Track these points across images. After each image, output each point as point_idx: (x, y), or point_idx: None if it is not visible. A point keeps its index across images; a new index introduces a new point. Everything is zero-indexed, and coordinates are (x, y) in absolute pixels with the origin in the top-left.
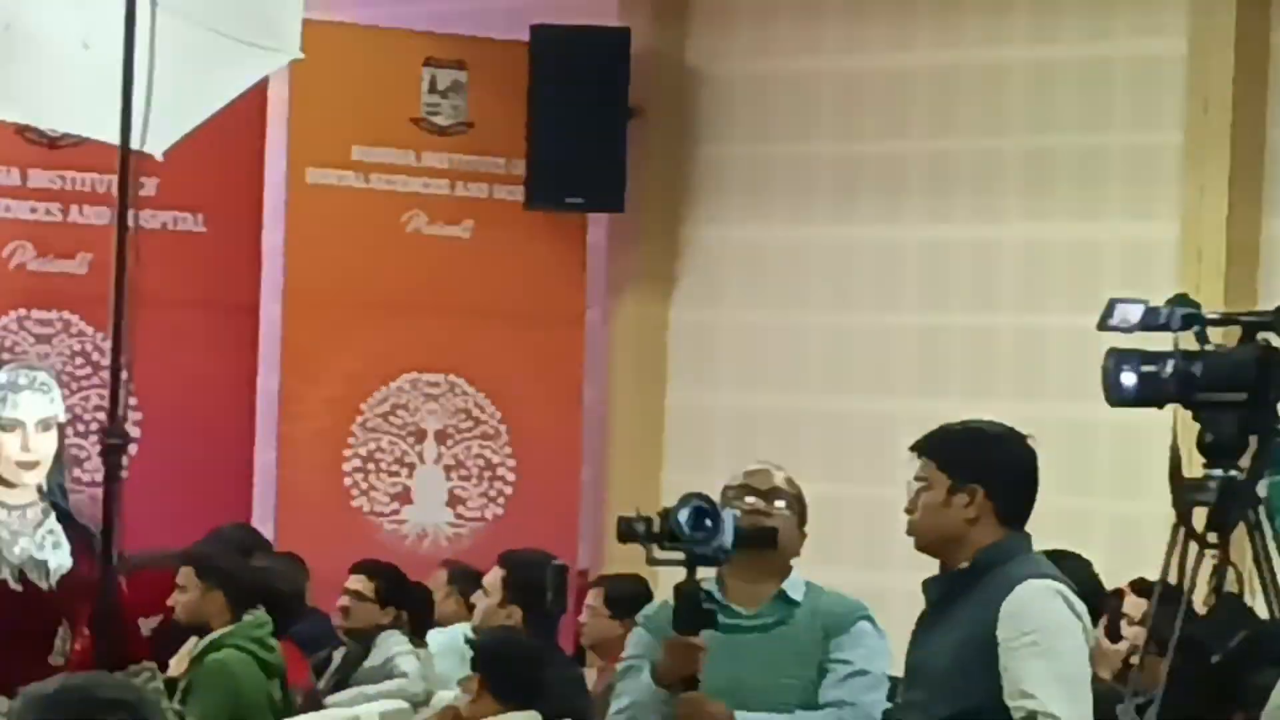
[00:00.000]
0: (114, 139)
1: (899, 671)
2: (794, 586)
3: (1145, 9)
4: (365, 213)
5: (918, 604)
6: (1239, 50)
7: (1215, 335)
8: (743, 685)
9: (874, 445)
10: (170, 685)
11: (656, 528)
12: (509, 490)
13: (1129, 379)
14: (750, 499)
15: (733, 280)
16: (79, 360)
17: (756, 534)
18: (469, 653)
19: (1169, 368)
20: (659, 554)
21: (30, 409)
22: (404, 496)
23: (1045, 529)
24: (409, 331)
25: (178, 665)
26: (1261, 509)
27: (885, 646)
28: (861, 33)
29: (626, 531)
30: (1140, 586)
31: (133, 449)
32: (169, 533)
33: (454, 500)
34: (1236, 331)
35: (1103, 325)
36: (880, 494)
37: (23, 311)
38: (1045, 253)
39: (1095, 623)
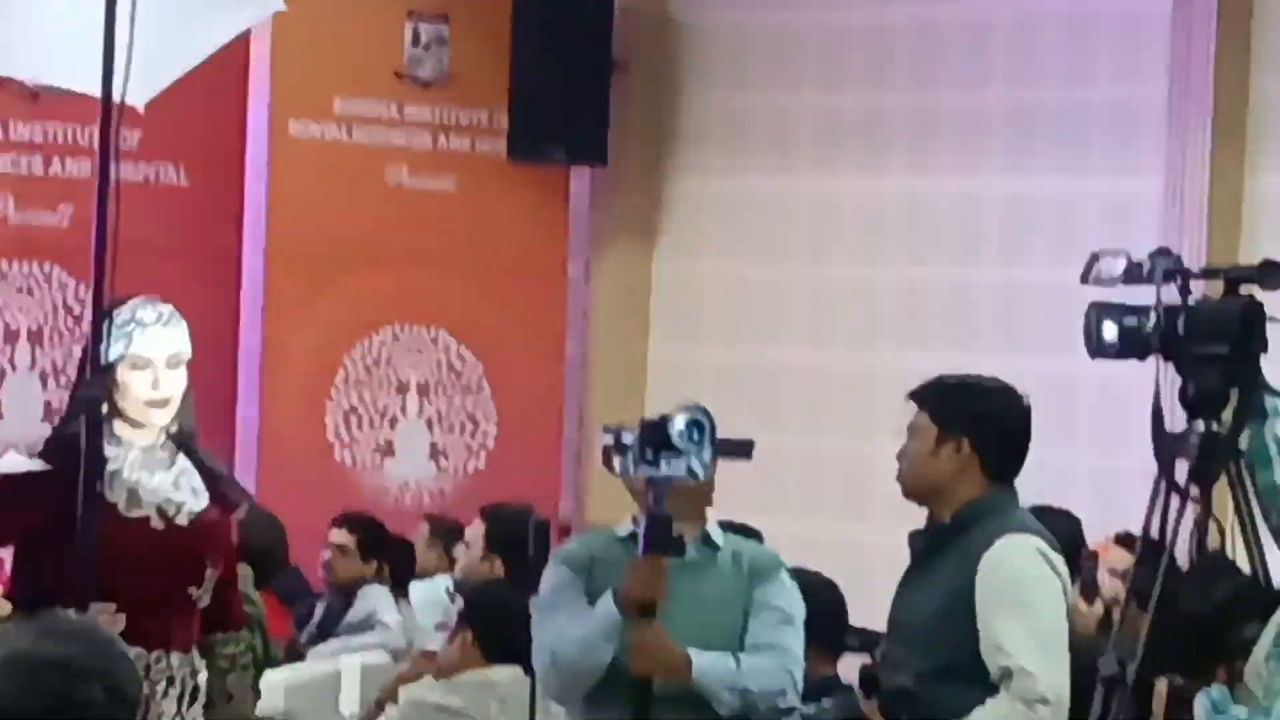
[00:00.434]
0: (95, 91)
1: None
2: (714, 530)
3: None
4: (347, 165)
5: (898, 557)
6: (1223, 4)
7: (1198, 288)
8: (670, 624)
9: (855, 398)
10: None
11: (635, 438)
12: (491, 443)
13: (1111, 332)
14: None
15: (715, 233)
16: (61, 313)
17: (737, 445)
18: (450, 605)
19: (1151, 321)
20: (629, 469)
21: (159, 345)
22: (386, 449)
23: (1027, 482)
24: (391, 284)
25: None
26: (1243, 462)
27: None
28: None
29: (612, 446)
30: (1123, 539)
31: None
32: None
33: (436, 453)
34: (1219, 285)
35: (1085, 278)
36: (861, 447)
37: (4, 263)
38: (1028, 206)
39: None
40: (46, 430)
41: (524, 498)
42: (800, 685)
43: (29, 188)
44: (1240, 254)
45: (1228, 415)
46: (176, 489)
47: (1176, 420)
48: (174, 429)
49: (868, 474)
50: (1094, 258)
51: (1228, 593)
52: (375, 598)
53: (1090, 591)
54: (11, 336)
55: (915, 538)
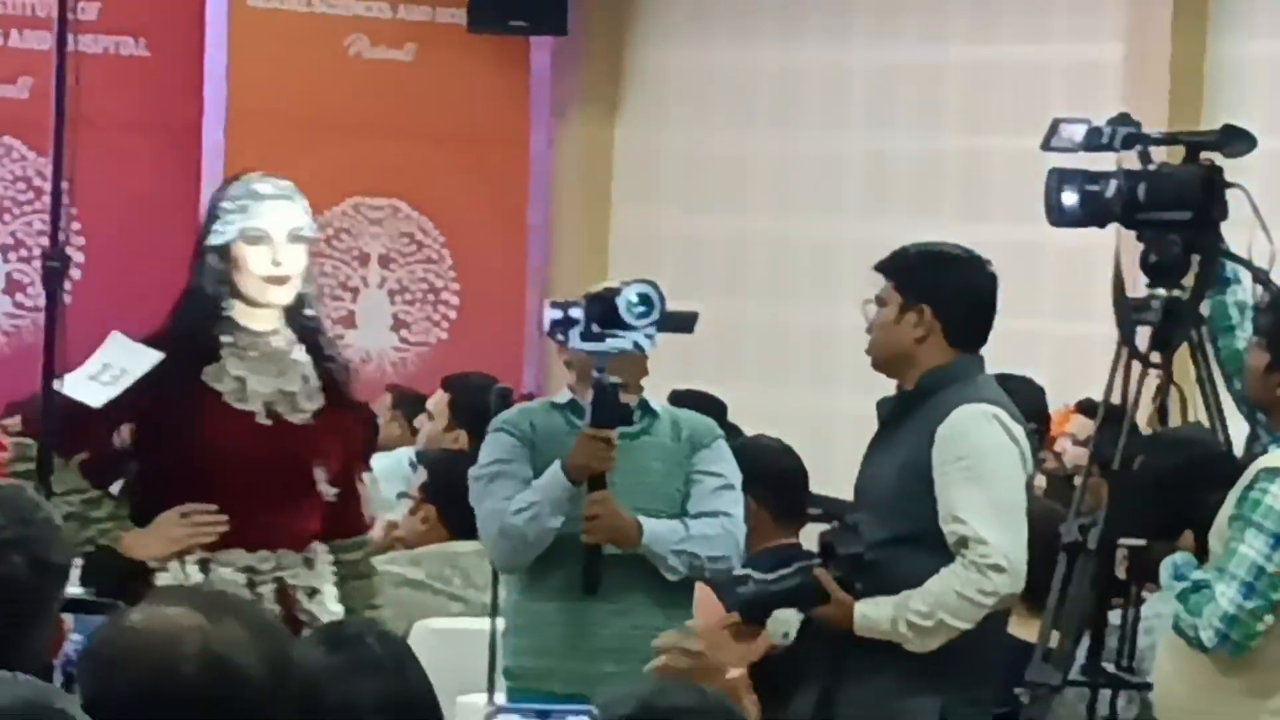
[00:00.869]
0: None
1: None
2: (651, 398)
3: None
4: (308, 36)
5: (863, 426)
6: None
7: (1159, 155)
8: (612, 493)
9: (820, 268)
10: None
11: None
12: (453, 314)
13: (1071, 199)
14: None
15: (677, 101)
16: (20, 185)
17: (680, 318)
18: (412, 476)
19: (1112, 188)
20: (576, 344)
21: (277, 218)
22: (348, 320)
23: (990, 351)
24: (352, 156)
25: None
26: (1205, 329)
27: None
28: None
29: (560, 321)
30: (1085, 406)
31: (76, 273)
32: None
33: (398, 324)
34: (1180, 151)
35: (1046, 145)
36: (826, 316)
37: None
38: (991, 75)
39: (1040, 447)
40: (7, 304)
41: (487, 368)
42: (743, 550)
43: None
44: (1202, 120)
45: (1189, 281)
46: (290, 382)
47: (1138, 287)
48: (299, 315)
49: (832, 343)
50: (1055, 124)
51: (1193, 459)
52: None
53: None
54: None
55: (882, 405)
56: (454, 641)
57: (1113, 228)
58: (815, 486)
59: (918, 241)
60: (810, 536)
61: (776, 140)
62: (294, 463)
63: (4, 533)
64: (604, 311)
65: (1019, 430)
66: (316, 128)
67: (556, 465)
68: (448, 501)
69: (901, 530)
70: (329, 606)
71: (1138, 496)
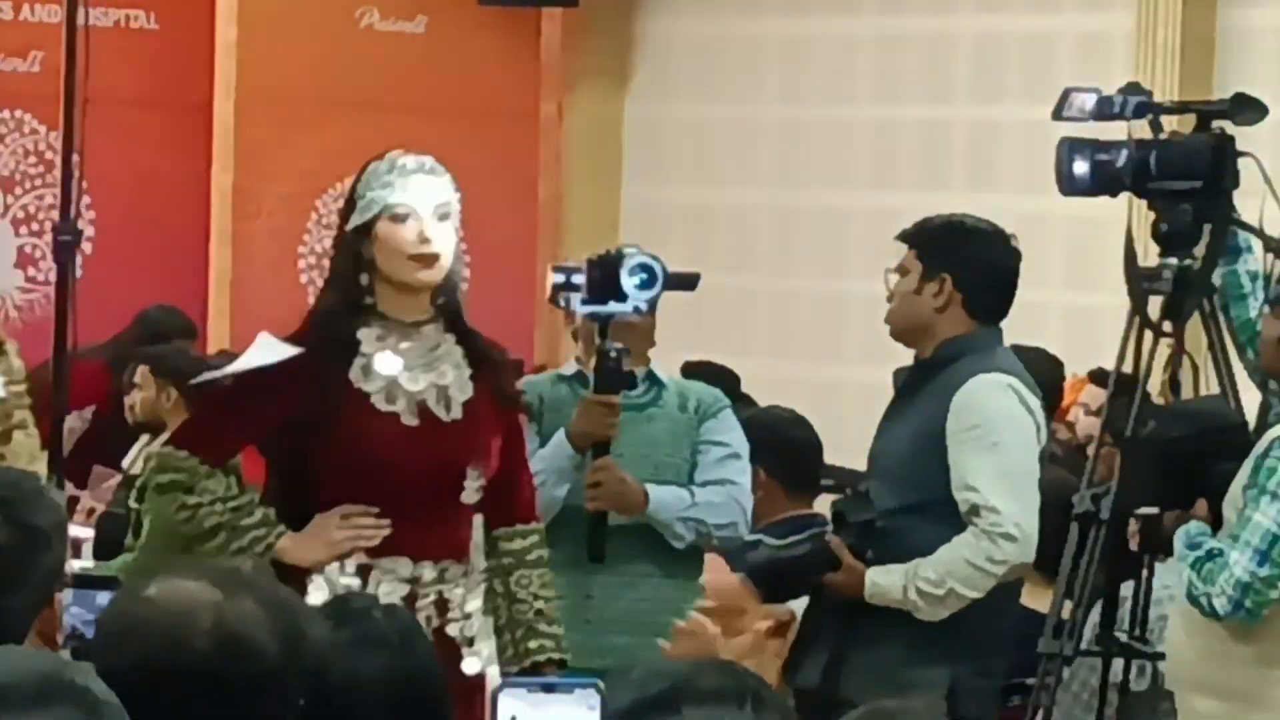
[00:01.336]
0: None
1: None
2: (658, 368)
3: None
4: (318, 8)
5: (872, 396)
6: None
7: (1169, 124)
8: (620, 464)
9: (829, 239)
10: (130, 482)
11: (585, 276)
12: (464, 286)
13: (1082, 168)
14: None
15: (687, 75)
16: (32, 159)
17: (682, 278)
18: None
19: (1123, 157)
20: (577, 307)
21: (424, 193)
22: None
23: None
24: (363, 128)
25: (132, 464)
26: (1216, 298)
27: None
28: None
29: (562, 284)
30: (1097, 376)
31: (87, 247)
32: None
33: None
34: (1191, 120)
35: (1057, 115)
36: (834, 287)
37: None
38: (1000, 44)
39: (1052, 419)
40: (19, 277)
41: (497, 340)
42: (749, 519)
43: None
44: (1212, 89)
45: (1200, 251)
46: (440, 377)
47: (1149, 257)
48: (441, 300)
49: (840, 314)
50: (1066, 94)
51: (1203, 427)
52: None
53: None
54: None
55: (898, 374)
56: None
57: (1124, 197)
58: (824, 457)
59: (941, 213)
60: (822, 507)
61: (785, 112)
62: (448, 465)
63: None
64: (605, 277)
65: (1034, 401)
66: (327, 101)
67: (561, 434)
68: None
69: (914, 499)
70: (479, 628)
71: (1150, 466)
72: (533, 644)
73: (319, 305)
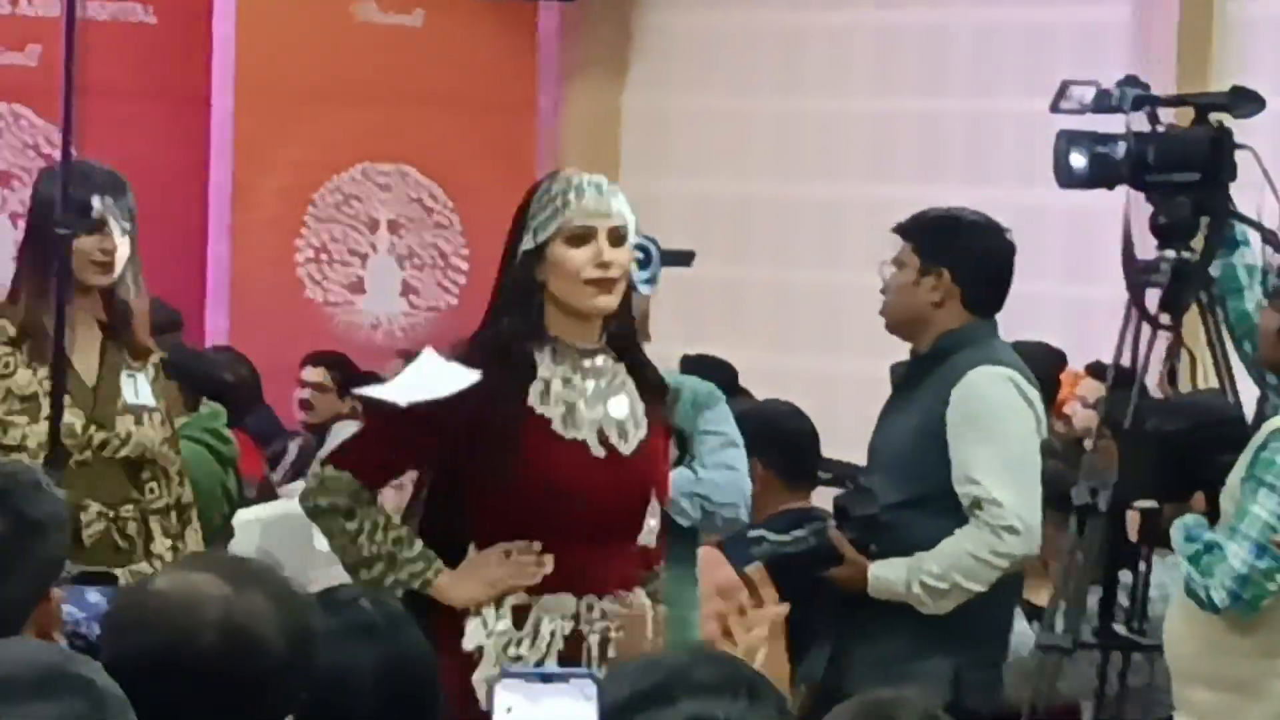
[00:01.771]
0: None
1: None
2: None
3: None
4: (315, 1)
5: (869, 389)
6: None
7: (1167, 116)
8: None
9: (826, 231)
10: None
11: None
12: (463, 279)
13: (1079, 161)
14: None
15: (684, 65)
16: (30, 153)
17: (678, 255)
18: None
19: (1120, 149)
20: None
21: (601, 213)
22: (357, 286)
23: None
24: (360, 121)
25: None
26: (1214, 291)
27: None
28: None
29: None
30: (1094, 369)
31: None
32: None
33: (407, 290)
34: (1189, 113)
35: (1055, 107)
36: (831, 279)
37: None
38: (997, 36)
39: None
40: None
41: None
42: (749, 504)
43: None
44: (1210, 82)
45: (1198, 243)
46: (618, 407)
47: (1147, 249)
48: (614, 326)
49: (837, 306)
50: (1064, 86)
51: (1201, 420)
52: (348, 434)
53: None
54: None
55: (896, 368)
56: None
57: (1121, 189)
58: (822, 449)
59: (937, 206)
60: (820, 500)
61: (782, 103)
62: (628, 497)
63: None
64: None
65: (1034, 393)
66: (324, 93)
67: None
68: None
69: (915, 492)
70: None
71: (1149, 459)
72: None
73: (487, 325)
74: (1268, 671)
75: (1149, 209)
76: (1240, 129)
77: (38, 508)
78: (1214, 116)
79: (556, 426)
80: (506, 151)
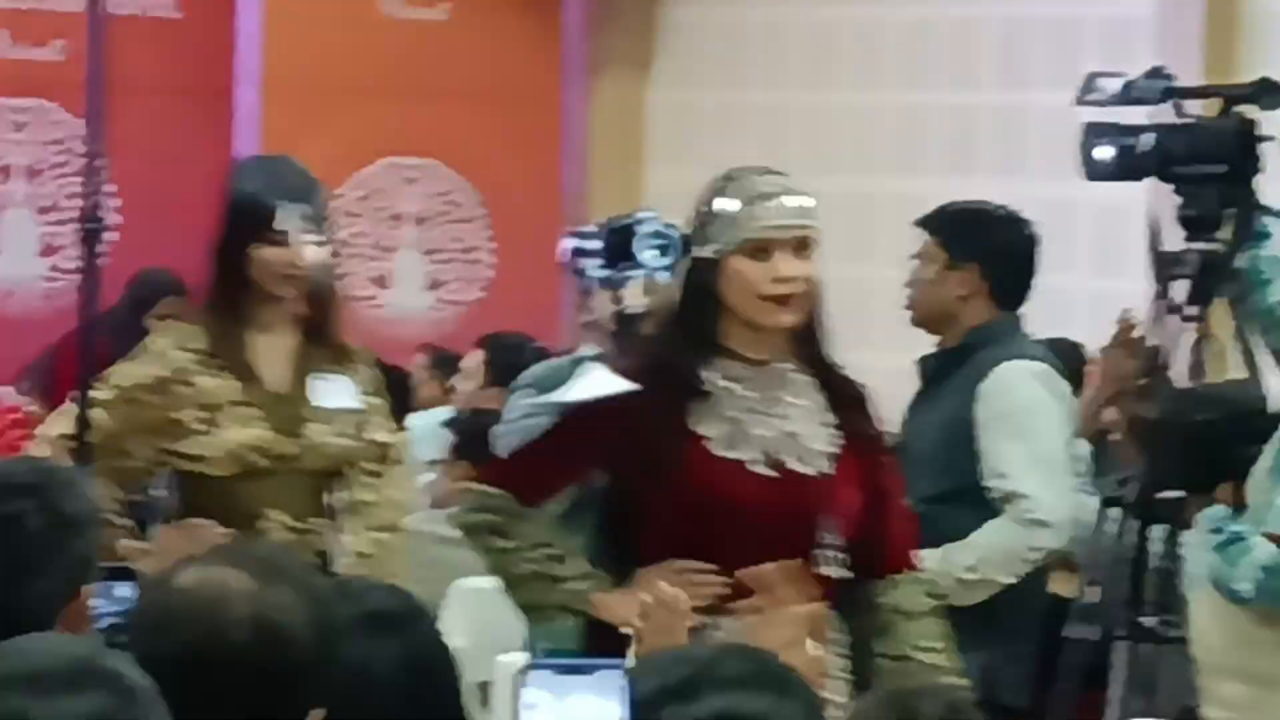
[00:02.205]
0: None
1: None
2: None
3: None
4: None
5: (897, 382)
6: None
7: (1193, 108)
8: None
9: (854, 224)
10: None
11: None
12: (489, 273)
13: (1105, 153)
14: None
15: (710, 58)
16: (55, 147)
17: None
18: (447, 436)
19: (1147, 141)
20: (593, 272)
21: (787, 223)
22: (383, 280)
23: (1025, 307)
24: (386, 115)
25: None
26: (1241, 283)
27: None
28: None
29: (577, 250)
30: None
31: (109, 235)
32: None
33: (433, 284)
34: (1216, 104)
35: (1081, 100)
36: (860, 273)
37: None
38: (1025, 29)
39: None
40: (43, 266)
41: (523, 327)
42: None
43: (22, 22)
44: (1237, 73)
45: (1225, 235)
46: (789, 423)
47: (1174, 241)
48: (801, 336)
49: (866, 299)
50: (1090, 78)
51: (1228, 411)
52: None
53: None
54: (6, 172)
55: (923, 362)
56: (492, 600)
57: (1148, 181)
58: None
59: (960, 199)
60: None
61: (810, 97)
62: (794, 518)
63: (16, 477)
64: (621, 242)
65: (1064, 387)
66: (350, 88)
67: None
68: (481, 459)
69: (945, 486)
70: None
71: (1175, 450)
72: None
73: (658, 338)
74: None
75: (1176, 201)
76: (1267, 121)
77: (73, 504)
78: (1240, 108)
79: (717, 446)
80: (532, 145)
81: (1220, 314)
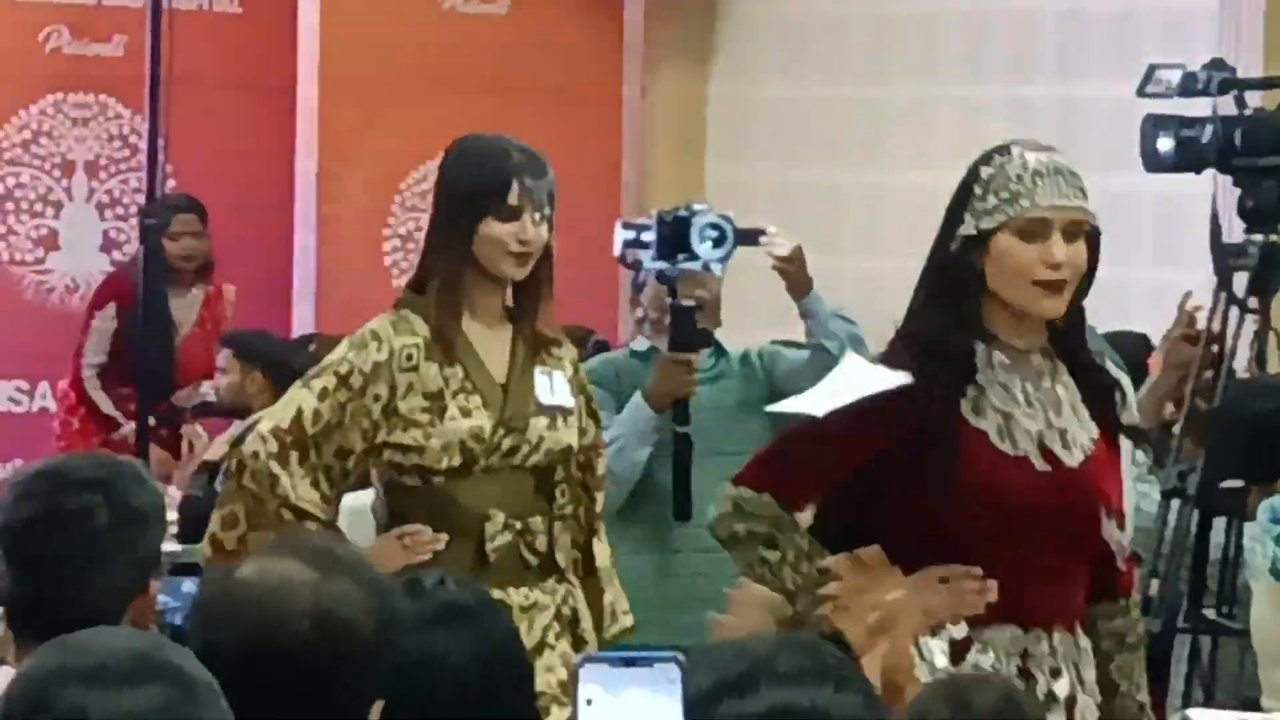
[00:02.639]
0: None
1: None
2: (723, 341)
3: None
4: None
5: None
6: None
7: (1254, 99)
8: (697, 435)
9: (914, 219)
10: (212, 468)
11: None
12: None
13: (1166, 144)
14: None
15: (770, 52)
16: (116, 143)
17: (748, 233)
18: None
19: (1207, 133)
20: (648, 264)
21: (1058, 205)
22: None
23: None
24: (446, 110)
25: (217, 450)
26: None
27: None
28: None
29: (631, 241)
30: None
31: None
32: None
33: None
34: (1276, 95)
35: (1141, 91)
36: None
37: (60, 95)
38: (1084, 21)
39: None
40: (105, 262)
41: (583, 321)
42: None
43: (83, 18)
44: None
45: None
46: (1060, 414)
47: (1234, 233)
48: (1062, 325)
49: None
50: (1150, 70)
51: None
52: None
53: None
54: (68, 168)
55: None
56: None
57: (1209, 173)
58: None
59: None
60: None
61: (870, 91)
62: (1078, 516)
63: (83, 472)
64: (676, 233)
65: (1122, 379)
66: (410, 83)
67: (638, 396)
68: None
69: None
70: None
71: (1236, 440)
72: None
73: (918, 321)
74: None
75: (1236, 192)
76: None
77: (140, 498)
78: None
79: (995, 439)
80: (592, 140)
81: None
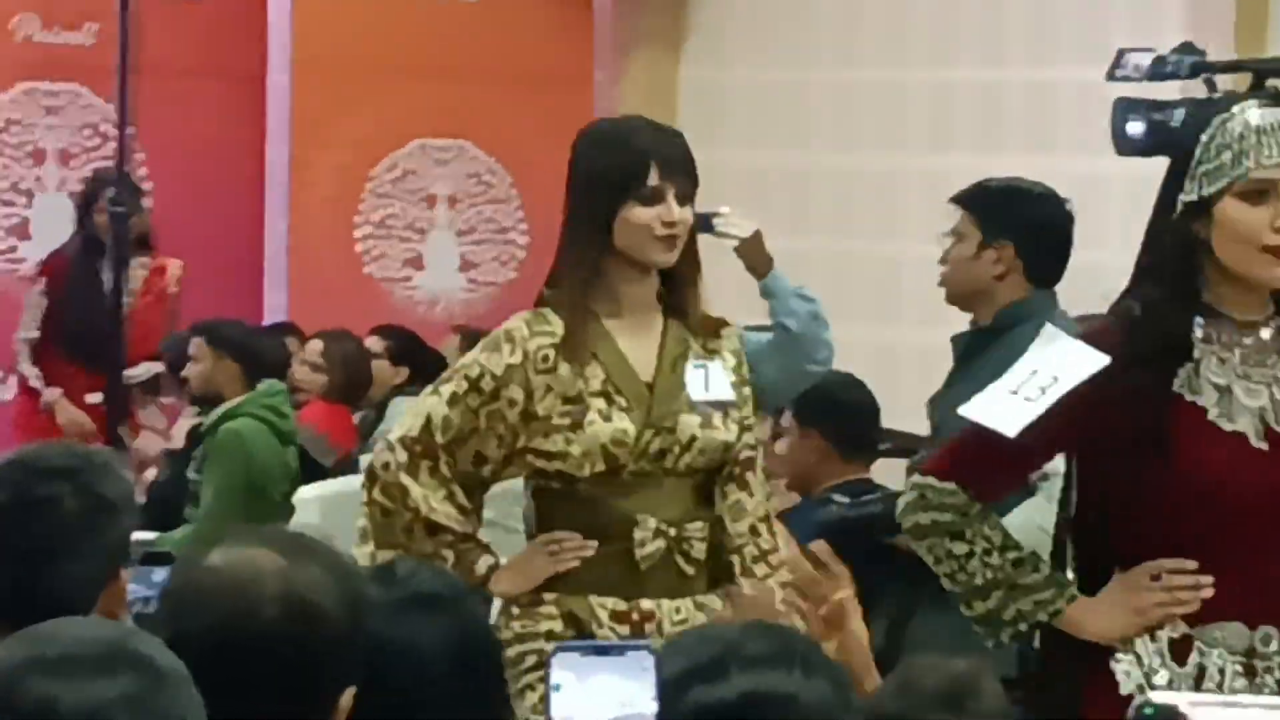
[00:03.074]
0: None
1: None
2: None
3: None
4: None
5: (928, 360)
6: None
7: (1225, 83)
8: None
9: (885, 201)
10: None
11: None
12: (521, 254)
13: (1137, 128)
14: None
15: (740, 37)
16: (87, 132)
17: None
18: None
19: (1178, 116)
20: None
21: None
22: (416, 262)
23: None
24: (417, 97)
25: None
26: None
27: None
28: None
29: None
30: None
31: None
32: (183, 301)
33: (466, 265)
34: (1247, 79)
35: (1111, 75)
36: (890, 249)
37: (31, 83)
38: (1054, 4)
39: None
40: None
41: None
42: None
43: (53, 6)
44: (1267, 48)
45: None
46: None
47: None
48: None
49: (897, 277)
50: (1120, 54)
51: None
52: (405, 409)
53: None
54: (39, 156)
55: (957, 340)
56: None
57: None
58: (881, 420)
59: (994, 176)
60: (879, 471)
61: (839, 74)
62: None
63: (53, 461)
64: None
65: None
66: (381, 70)
67: None
68: None
69: None
70: None
71: None
72: None
73: (1138, 298)
74: None
75: None
76: None
77: (110, 487)
78: (1271, 82)
79: (1213, 416)
80: (564, 126)
81: None
